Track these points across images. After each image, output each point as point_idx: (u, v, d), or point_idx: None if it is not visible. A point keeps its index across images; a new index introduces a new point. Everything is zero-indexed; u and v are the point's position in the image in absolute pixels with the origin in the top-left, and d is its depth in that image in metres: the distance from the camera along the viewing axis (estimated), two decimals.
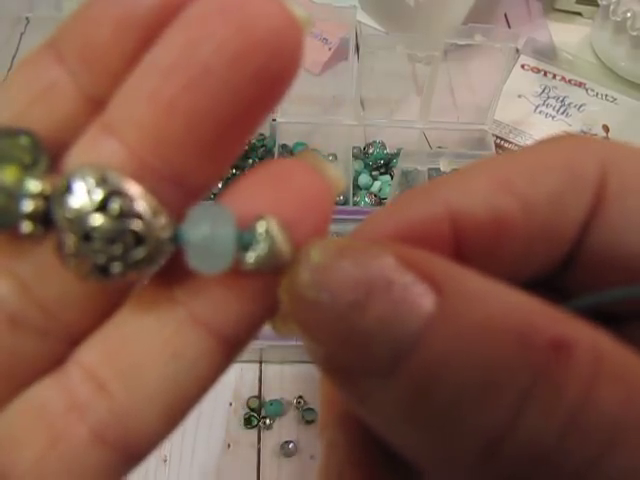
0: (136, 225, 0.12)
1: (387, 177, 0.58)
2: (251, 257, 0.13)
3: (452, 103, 0.65)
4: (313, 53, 0.66)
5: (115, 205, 0.12)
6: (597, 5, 0.68)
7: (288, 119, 0.59)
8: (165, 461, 0.45)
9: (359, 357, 0.11)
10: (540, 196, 0.14)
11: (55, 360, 0.14)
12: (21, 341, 0.13)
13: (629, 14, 0.62)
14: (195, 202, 0.14)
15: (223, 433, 0.46)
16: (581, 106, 0.63)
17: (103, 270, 0.12)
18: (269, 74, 0.12)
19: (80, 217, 0.12)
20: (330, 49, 0.66)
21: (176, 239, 0.13)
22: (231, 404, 0.47)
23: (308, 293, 0.12)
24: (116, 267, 0.12)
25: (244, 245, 0.13)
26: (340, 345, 0.11)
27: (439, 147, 0.60)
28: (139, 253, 0.12)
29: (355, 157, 0.59)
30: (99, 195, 0.12)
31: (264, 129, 0.60)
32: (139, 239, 0.12)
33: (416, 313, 0.11)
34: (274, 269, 0.13)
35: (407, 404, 0.11)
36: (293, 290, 0.12)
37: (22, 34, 0.67)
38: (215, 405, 0.47)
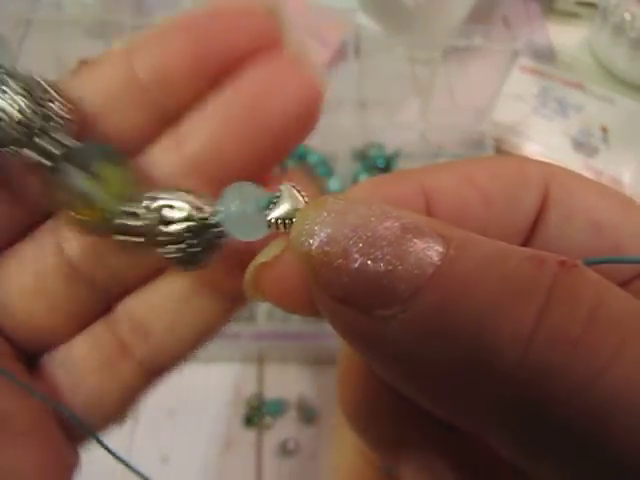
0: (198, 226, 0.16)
1: None
2: (278, 214, 0.15)
3: (451, 104, 0.65)
4: (313, 55, 0.67)
5: (195, 222, 0.16)
6: (596, 7, 0.68)
7: None
8: (165, 461, 0.45)
9: (378, 290, 0.12)
10: (497, 190, 0.17)
11: (106, 307, 0.19)
12: (80, 290, 0.19)
13: (627, 15, 0.62)
14: None
15: (223, 433, 0.46)
16: (579, 107, 0.64)
17: (191, 261, 0.17)
18: (307, 124, 0.18)
19: (177, 235, 0.16)
20: (330, 51, 0.66)
21: (218, 225, 0.16)
22: (231, 404, 0.47)
23: (329, 232, 0.13)
24: (199, 256, 0.17)
25: (271, 206, 0.15)
26: (359, 282, 0.12)
27: (438, 148, 0.60)
28: (203, 241, 0.17)
29: (355, 158, 0.59)
30: (183, 214, 0.16)
31: None
32: (199, 234, 0.16)
33: (433, 248, 0.12)
34: None
35: (434, 322, 0.12)
36: (311, 232, 0.13)
37: (23, 35, 0.67)
38: (215, 405, 0.47)
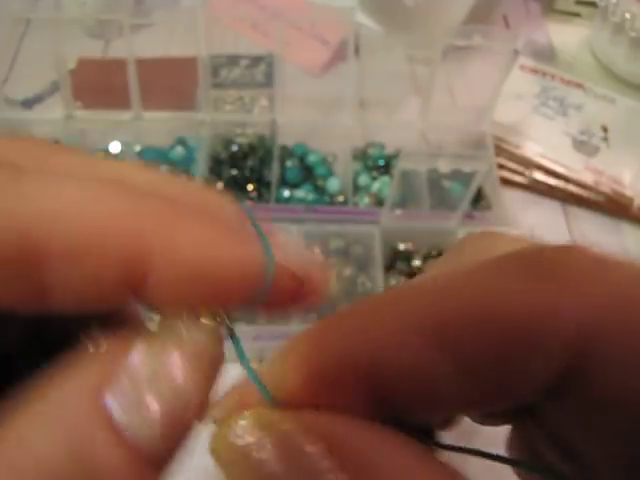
0: None
1: (386, 178, 0.58)
2: None
3: (451, 104, 0.65)
4: (313, 54, 0.67)
5: None
6: (596, 6, 0.68)
7: (288, 120, 0.59)
8: None
9: None
10: (484, 350, 0.12)
11: None
12: None
13: (628, 15, 0.62)
14: None
15: None
16: (580, 107, 0.64)
17: None
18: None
19: None
20: (329, 50, 0.66)
21: None
22: None
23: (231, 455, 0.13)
24: None
25: None
26: None
27: (438, 148, 0.60)
28: None
29: (355, 158, 0.59)
30: None
31: (264, 130, 0.60)
32: None
33: None
34: None
35: None
36: (226, 450, 0.13)
37: (23, 34, 0.67)
38: None
